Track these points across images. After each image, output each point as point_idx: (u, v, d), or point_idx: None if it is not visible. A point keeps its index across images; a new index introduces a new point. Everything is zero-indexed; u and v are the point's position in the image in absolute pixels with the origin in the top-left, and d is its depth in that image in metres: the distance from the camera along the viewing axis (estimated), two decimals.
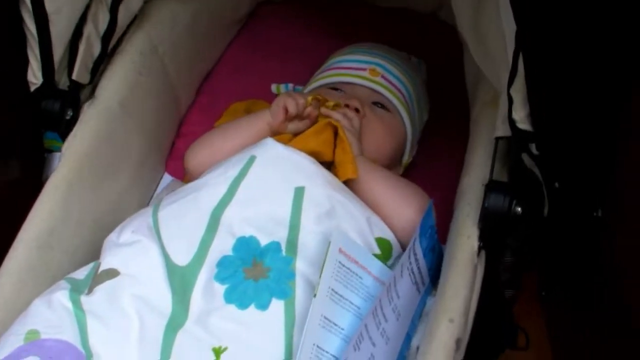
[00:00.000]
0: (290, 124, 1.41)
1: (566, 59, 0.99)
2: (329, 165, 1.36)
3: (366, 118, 1.43)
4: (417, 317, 1.26)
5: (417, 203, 1.33)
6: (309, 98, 1.40)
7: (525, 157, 1.17)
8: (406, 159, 1.52)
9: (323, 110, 1.40)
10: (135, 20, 1.49)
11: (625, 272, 1.23)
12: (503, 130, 1.19)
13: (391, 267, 1.29)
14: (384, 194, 1.34)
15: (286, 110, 1.39)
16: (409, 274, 1.22)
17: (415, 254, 1.22)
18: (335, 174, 1.34)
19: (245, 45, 1.79)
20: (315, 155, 1.34)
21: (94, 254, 1.31)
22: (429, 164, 1.57)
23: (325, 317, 1.16)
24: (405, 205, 1.33)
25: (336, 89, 1.49)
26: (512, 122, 1.14)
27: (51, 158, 1.39)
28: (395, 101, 1.49)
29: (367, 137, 1.42)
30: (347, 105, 1.43)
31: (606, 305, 1.30)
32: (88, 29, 1.35)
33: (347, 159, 1.34)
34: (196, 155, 1.44)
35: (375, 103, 1.48)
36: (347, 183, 1.35)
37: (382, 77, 1.50)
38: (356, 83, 1.50)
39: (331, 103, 1.41)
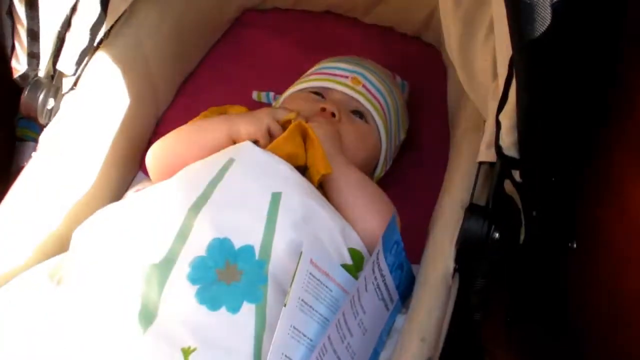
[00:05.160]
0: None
1: (560, 88, 1.00)
2: (304, 170, 1.36)
3: (342, 124, 1.44)
4: (386, 333, 1.26)
5: (383, 210, 1.33)
6: (292, 116, 1.40)
7: (507, 183, 1.18)
8: (378, 172, 1.53)
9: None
10: (124, 16, 1.49)
11: (593, 300, 1.25)
12: (487, 155, 1.20)
13: None
14: (352, 196, 1.34)
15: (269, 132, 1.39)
16: (375, 290, 1.23)
17: (380, 270, 1.23)
18: (311, 177, 1.35)
19: (228, 51, 1.80)
20: (290, 158, 1.34)
21: (63, 246, 1.30)
22: (405, 183, 1.58)
23: (295, 327, 1.16)
24: (371, 211, 1.33)
25: (317, 94, 1.50)
26: (498, 148, 1.15)
27: (23, 147, 1.37)
28: (373, 112, 1.50)
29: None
30: (323, 109, 1.44)
31: (572, 334, 1.31)
32: (77, 20, 1.35)
33: (318, 155, 1.34)
34: (156, 158, 1.43)
35: (354, 112, 1.49)
36: (322, 182, 1.35)
37: (364, 86, 1.51)
38: (336, 89, 1.50)
39: (292, 115, 1.40)
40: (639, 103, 1.07)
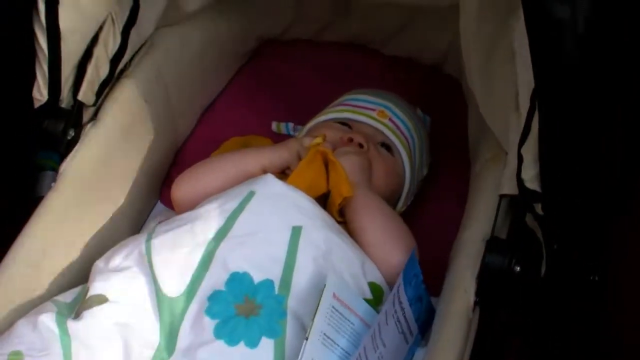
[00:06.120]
0: None
1: (583, 122, 0.99)
2: (326, 198, 1.35)
3: (370, 155, 1.43)
4: None
5: (406, 244, 1.32)
6: (319, 141, 1.39)
7: (528, 216, 1.17)
8: (399, 207, 1.51)
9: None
10: (144, 46, 1.49)
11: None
12: (509, 188, 1.19)
13: None
14: (374, 224, 1.33)
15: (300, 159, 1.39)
16: (395, 323, 1.22)
17: (400, 302, 1.22)
18: (333, 204, 1.34)
19: (248, 81, 1.79)
20: (312, 188, 1.33)
21: (83, 277, 1.30)
22: (425, 216, 1.56)
23: None
24: (395, 244, 1.32)
25: (343, 124, 1.49)
26: (520, 181, 1.14)
27: (43, 177, 1.37)
28: (399, 145, 1.49)
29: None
30: (350, 140, 1.43)
31: None
32: (98, 51, 1.35)
33: (341, 178, 1.33)
34: (183, 189, 1.42)
35: (381, 145, 1.47)
36: (343, 209, 1.35)
37: (390, 120, 1.50)
38: (363, 122, 1.49)
39: (319, 139, 1.39)
40: None
